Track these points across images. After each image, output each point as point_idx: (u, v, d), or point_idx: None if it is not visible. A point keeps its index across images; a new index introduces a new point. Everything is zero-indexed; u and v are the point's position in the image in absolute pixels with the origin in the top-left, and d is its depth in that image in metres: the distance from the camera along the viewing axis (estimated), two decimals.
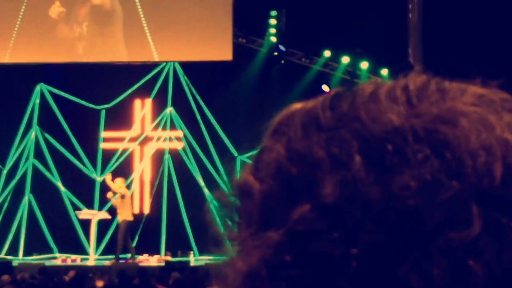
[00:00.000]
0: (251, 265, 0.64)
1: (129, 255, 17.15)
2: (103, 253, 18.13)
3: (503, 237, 0.60)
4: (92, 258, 17.39)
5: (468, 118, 0.63)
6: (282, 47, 20.18)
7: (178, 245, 18.53)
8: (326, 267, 0.61)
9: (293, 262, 0.62)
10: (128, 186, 19.01)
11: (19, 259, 18.47)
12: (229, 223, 0.69)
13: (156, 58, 19.21)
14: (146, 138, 19.87)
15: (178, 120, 19.69)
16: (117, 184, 17.11)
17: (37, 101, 19.91)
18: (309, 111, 0.68)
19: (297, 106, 0.70)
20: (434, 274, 0.59)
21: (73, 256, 18.25)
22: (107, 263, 16.88)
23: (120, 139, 19.84)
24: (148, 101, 19.90)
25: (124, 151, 19.78)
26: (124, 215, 16.85)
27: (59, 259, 18.30)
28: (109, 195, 17.20)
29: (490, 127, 0.63)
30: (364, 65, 19.85)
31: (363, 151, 0.62)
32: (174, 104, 19.80)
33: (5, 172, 19.64)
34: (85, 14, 19.01)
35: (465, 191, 0.60)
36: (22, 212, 19.41)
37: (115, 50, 18.99)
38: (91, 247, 17.76)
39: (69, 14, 19.04)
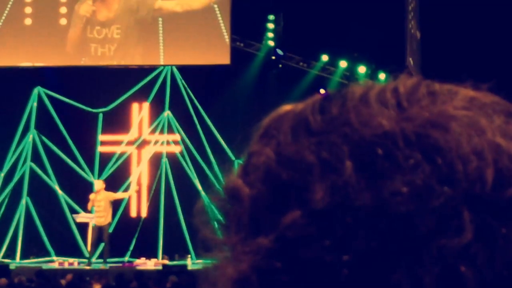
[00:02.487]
0: (241, 271, 0.63)
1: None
2: (100, 257, 18.08)
3: (495, 243, 0.59)
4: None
5: (459, 122, 0.62)
6: (279, 51, 20.17)
7: (175, 248, 18.51)
8: (317, 274, 0.60)
9: (283, 268, 0.61)
10: (125, 190, 19.02)
11: (16, 262, 18.44)
12: (220, 227, 0.68)
13: (154, 61, 19.20)
14: (144, 141, 19.85)
15: (175, 124, 19.68)
16: (99, 185, 17.27)
17: (35, 104, 19.89)
18: (299, 114, 0.67)
19: (286, 108, 0.68)
20: (426, 280, 0.59)
21: (71, 260, 18.23)
22: (103, 266, 16.87)
23: (118, 143, 19.82)
24: (146, 105, 19.89)
25: (121, 154, 19.77)
26: (109, 218, 17.15)
27: (57, 262, 18.30)
28: (92, 196, 17.26)
29: (481, 131, 0.62)
30: (362, 69, 19.85)
31: (353, 156, 0.62)
32: (171, 108, 19.79)
33: (2, 175, 19.61)
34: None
35: (457, 197, 0.59)
36: (20, 215, 19.39)
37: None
38: (88, 250, 17.74)
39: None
